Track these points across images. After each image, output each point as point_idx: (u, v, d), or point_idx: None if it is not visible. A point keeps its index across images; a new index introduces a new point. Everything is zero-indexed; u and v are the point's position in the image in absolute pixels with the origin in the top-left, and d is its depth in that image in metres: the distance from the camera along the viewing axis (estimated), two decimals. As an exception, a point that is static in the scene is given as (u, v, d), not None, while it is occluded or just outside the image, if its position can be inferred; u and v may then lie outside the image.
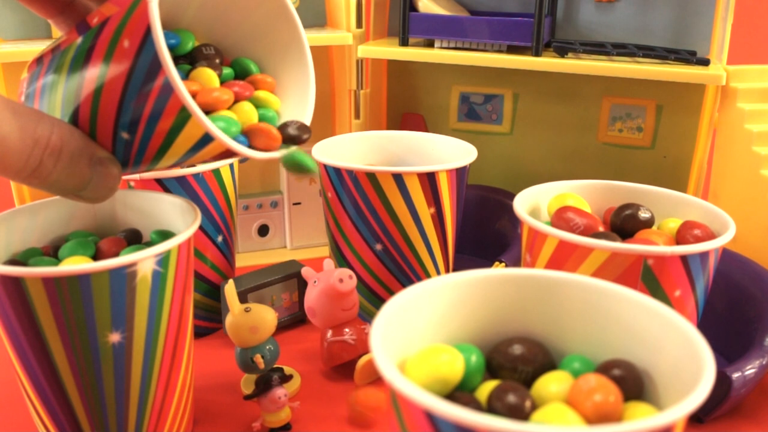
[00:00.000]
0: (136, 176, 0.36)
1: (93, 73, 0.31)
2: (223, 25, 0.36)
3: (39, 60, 0.35)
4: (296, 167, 0.32)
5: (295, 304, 0.54)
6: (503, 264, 0.54)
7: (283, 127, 0.33)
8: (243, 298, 0.50)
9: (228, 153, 0.31)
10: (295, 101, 0.36)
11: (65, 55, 0.32)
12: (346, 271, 0.46)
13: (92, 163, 0.32)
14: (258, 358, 0.44)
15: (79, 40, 0.32)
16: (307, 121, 0.35)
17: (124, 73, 0.29)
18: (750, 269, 0.48)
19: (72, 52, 0.32)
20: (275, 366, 0.47)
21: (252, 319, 0.44)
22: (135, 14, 0.29)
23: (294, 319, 0.55)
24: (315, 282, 0.47)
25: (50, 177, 0.31)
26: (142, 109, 0.30)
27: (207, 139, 0.30)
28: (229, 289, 0.45)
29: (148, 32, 0.28)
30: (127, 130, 0.31)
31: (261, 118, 0.34)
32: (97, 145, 0.32)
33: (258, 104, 0.34)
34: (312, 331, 0.54)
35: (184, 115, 0.29)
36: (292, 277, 0.53)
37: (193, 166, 0.34)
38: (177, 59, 0.34)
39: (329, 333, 0.47)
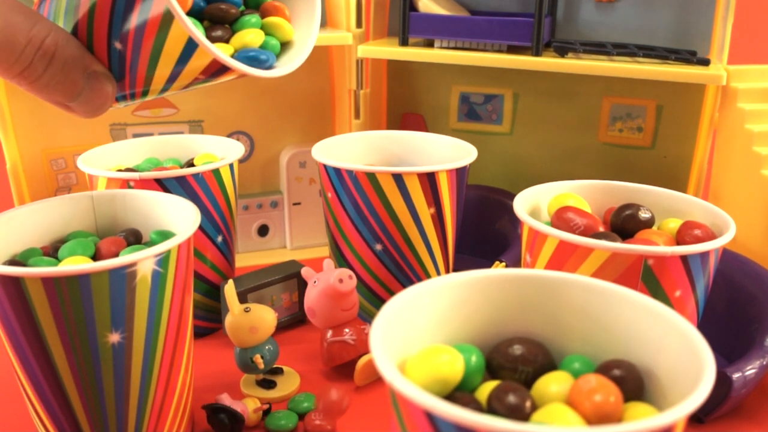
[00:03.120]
0: (134, 103, 0.36)
1: None
2: None
3: None
4: None
5: (294, 304, 0.54)
6: (503, 264, 0.54)
7: None
8: (243, 298, 0.50)
9: (221, 69, 0.31)
10: (299, 30, 0.36)
11: None
12: (346, 271, 0.46)
13: (86, 75, 0.32)
14: (257, 358, 0.44)
15: None
16: (308, 50, 0.35)
17: None
18: (750, 269, 0.48)
19: None
20: (275, 366, 0.47)
21: (252, 319, 0.44)
22: None
23: (294, 319, 0.55)
24: (315, 282, 0.47)
25: (39, 81, 0.31)
26: (131, 11, 0.30)
27: (192, 45, 0.30)
28: (229, 289, 0.45)
29: None
30: (119, 38, 0.31)
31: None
32: (95, 59, 0.32)
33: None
34: (312, 331, 0.54)
35: (168, 17, 0.29)
36: (291, 277, 0.53)
37: (191, 86, 0.34)
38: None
39: (329, 333, 0.47)
